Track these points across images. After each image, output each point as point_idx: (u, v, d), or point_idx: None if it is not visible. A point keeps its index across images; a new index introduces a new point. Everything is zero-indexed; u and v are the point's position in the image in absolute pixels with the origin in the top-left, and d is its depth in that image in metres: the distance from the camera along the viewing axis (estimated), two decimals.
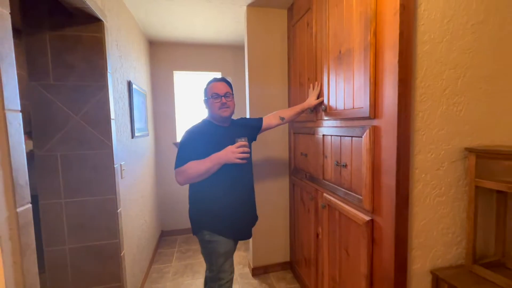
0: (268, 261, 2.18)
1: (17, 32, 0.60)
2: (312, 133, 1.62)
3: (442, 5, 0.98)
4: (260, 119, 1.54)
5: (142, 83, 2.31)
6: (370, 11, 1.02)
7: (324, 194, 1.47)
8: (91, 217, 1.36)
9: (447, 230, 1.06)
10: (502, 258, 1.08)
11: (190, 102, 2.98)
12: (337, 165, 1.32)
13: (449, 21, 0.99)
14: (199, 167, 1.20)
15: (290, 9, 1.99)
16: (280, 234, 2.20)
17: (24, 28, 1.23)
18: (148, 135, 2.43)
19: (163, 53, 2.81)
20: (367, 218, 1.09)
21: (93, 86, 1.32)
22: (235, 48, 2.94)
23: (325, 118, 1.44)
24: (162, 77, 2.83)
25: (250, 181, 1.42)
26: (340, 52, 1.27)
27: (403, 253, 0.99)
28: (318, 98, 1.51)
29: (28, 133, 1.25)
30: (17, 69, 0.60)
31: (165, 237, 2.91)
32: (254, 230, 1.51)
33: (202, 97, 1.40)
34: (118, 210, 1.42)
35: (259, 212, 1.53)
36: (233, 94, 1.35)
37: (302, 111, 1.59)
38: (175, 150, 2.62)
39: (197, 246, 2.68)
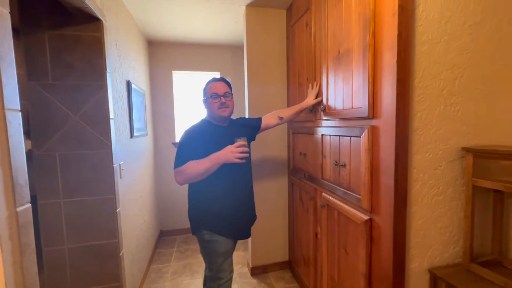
0: (267, 260, 2.19)
1: (15, 31, 0.59)
2: (311, 133, 1.63)
3: (440, 6, 0.99)
4: (259, 119, 1.54)
5: (141, 82, 2.31)
6: (368, 11, 1.03)
7: (323, 194, 1.47)
8: (90, 217, 1.36)
9: (445, 229, 1.07)
10: (499, 256, 1.09)
11: (189, 102, 2.98)
12: (336, 165, 1.33)
13: (447, 22, 1.00)
14: (198, 167, 1.21)
15: (289, 9, 1.99)
16: (279, 233, 2.20)
17: (22, 27, 1.22)
18: (147, 135, 2.42)
19: (162, 53, 2.80)
20: (365, 217, 1.10)
21: (92, 86, 1.32)
22: (234, 48, 2.94)
23: (324, 118, 1.45)
24: (161, 77, 2.83)
25: (249, 180, 1.42)
26: (339, 52, 1.28)
27: (401, 252, 0.99)
28: (316, 98, 1.52)
29: (26, 133, 1.24)
30: (16, 69, 0.60)
31: (164, 237, 2.91)
32: (253, 230, 1.51)
33: (201, 97, 1.40)
34: (117, 210, 1.42)
35: (258, 211, 1.54)
36: (232, 94, 1.35)
37: (301, 111, 1.60)
38: (174, 150, 2.61)
39: (196, 246, 2.68)
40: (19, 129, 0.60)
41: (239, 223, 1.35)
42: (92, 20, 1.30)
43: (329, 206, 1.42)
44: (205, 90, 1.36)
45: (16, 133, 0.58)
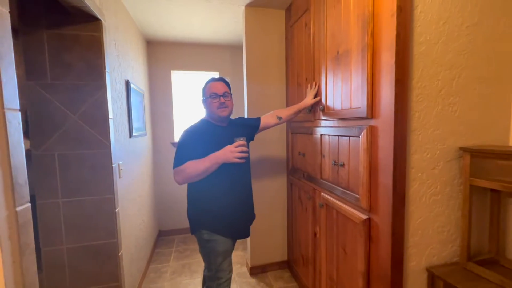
0: (266, 260, 2.19)
1: (13, 31, 0.59)
2: (310, 132, 1.63)
3: (438, 7, 1.00)
4: (258, 119, 1.55)
5: (140, 82, 2.30)
6: (367, 12, 1.03)
7: (322, 193, 1.48)
8: (89, 217, 1.35)
9: (443, 228, 1.08)
10: (496, 255, 1.10)
11: (188, 101, 2.98)
12: (334, 164, 1.34)
13: (445, 22, 1.01)
14: (197, 166, 1.21)
15: (288, 10, 1.99)
16: (278, 233, 2.21)
17: (21, 27, 1.22)
18: (146, 134, 2.42)
19: (161, 53, 2.80)
20: (364, 216, 1.11)
21: (91, 86, 1.32)
22: (233, 48, 2.94)
23: (323, 118, 1.45)
24: (160, 77, 2.82)
25: (248, 180, 1.42)
26: (338, 52, 1.28)
27: (400, 251, 1.00)
28: (315, 97, 1.52)
29: (24, 133, 1.23)
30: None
31: (162, 237, 2.91)
32: (252, 229, 1.51)
33: (200, 96, 1.40)
34: (116, 210, 1.42)
35: (257, 211, 1.54)
36: (231, 93, 1.35)
37: (300, 111, 1.60)
38: (172, 150, 2.61)
39: (195, 246, 2.68)
40: (18, 129, 0.60)
41: (238, 222, 1.35)
42: (91, 20, 1.29)
43: (328, 205, 1.42)
44: (204, 90, 1.36)
45: (15, 133, 0.58)
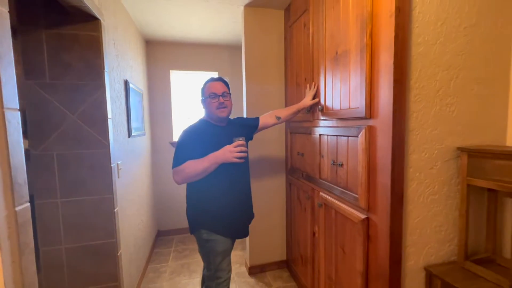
0: (265, 260, 2.20)
1: (12, 30, 0.59)
2: (309, 132, 1.64)
3: (436, 8, 1.00)
4: (257, 119, 1.55)
5: (138, 82, 2.30)
6: (366, 13, 1.04)
7: (321, 193, 1.49)
8: (88, 217, 1.35)
9: (440, 228, 1.09)
10: (492, 254, 1.11)
11: (186, 101, 2.98)
12: (333, 164, 1.34)
13: (443, 23, 1.02)
14: (196, 166, 1.21)
15: (287, 10, 2.00)
16: (277, 233, 2.21)
17: (19, 26, 1.21)
18: (144, 134, 2.41)
19: (160, 52, 2.80)
20: (362, 216, 1.11)
21: (90, 85, 1.32)
22: (232, 48, 2.94)
23: (322, 118, 1.46)
24: (158, 77, 2.82)
25: (247, 180, 1.43)
26: (336, 53, 1.29)
27: (398, 250, 1.01)
28: (314, 98, 1.53)
29: (23, 132, 1.23)
30: None
31: (161, 237, 2.90)
32: (251, 229, 1.52)
33: (199, 96, 1.40)
34: (115, 210, 1.42)
35: (256, 211, 1.55)
36: (230, 93, 1.35)
37: (298, 111, 1.60)
38: (171, 150, 2.61)
39: (193, 246, 2.68)
40: (18, 128, 0.60)
41: (237, 222, 1.36)
42: (90, 19, 1.29)
43: (326, 205, 1.43)
44: (203, 90, 1.36)
45: (15, 132, 0.59)
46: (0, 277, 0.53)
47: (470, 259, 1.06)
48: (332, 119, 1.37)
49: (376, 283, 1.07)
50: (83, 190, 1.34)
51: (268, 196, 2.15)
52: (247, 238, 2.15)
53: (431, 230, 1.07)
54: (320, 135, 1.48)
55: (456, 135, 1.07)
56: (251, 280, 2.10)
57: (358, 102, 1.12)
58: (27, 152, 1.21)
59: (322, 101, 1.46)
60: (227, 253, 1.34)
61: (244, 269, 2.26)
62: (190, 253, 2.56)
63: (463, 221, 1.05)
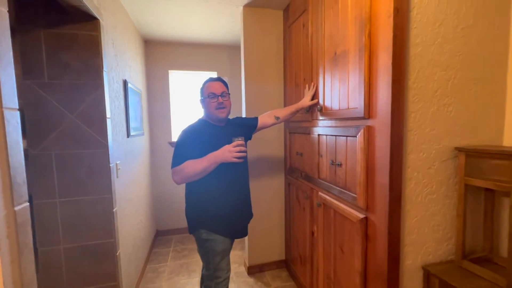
0: (264, 259, 2.20)
1: (11, 30, 0.59)
2: (308, 132, 1.64)
3: (434, 9, 1.01)
4: (256, 118, 1.55)
5: (137, 82, 2.30)
6: (365, 14, 1.04)
7: (319, 193, 1.49)
8: (86, 217, 1.35)
9: (438, 227, 1.10)
10: (489, 253, 1.12)
11: (185, 101, 2.97)
12: (332, 164, 1.35)
13: (441, 24, 1.02)
14: (195, 166, 1.21)
15: (286, 10, 2.00)
16: (276, 232, 2.22)
17: (18, 26, 1.21)
18: (143, 134, 2.41)
19: (159, 52, 2.79)
20: (361, 215, 1.12)
21: (89, 85, 1.31)
22: (231, 48, 2.94)
23: (321, 118, 1.47)
24: (157, 76, 2.81)
25: (246, 180, 1.43)
26: (335, 53, 1.29)
27: (396, 250, 1.01)
28: (313, 99, 1.53)
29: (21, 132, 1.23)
30: None
31: (160, 237, 2.90)
32: (250, 229, 1.52)
33: (198, 96, 1.40)
34: (114, 210, 1.42)
35: (254, 211, 1.55)
36: (229, 93, 1.35)
37: (297, 111, 1.61)
38: (170, 150, 2.61)
39: (192, 246, 2.68)
40: (17, 128, 0.60)
41: (236, 222, 1.36)
42: (89, 19, 1.29)
43: (325, 205, 1.43)
44: (202, 90, 1.36)
45: (14, 132, 0.58)
46: (0, 276, 0.53)
47: (467, 258, 1.07)
48: (331, 119, 1.37)
49: (375, 282, 1.08)
50: (81, 190, 1.33)
51: (267, 196, 2.16)
52: (246, 238, 2.16)
53: (429, 230, 1.08)
54: (319, 135, 1.49)
55: (454, 135, 1.08)
56: (250, 280, 2.10)
57: (356, 102, 1.12)
58: (25, 152, 1.20)
59: (321, 101, 1.46)
60: (226, 253, 1.34)
61: (243, 269, 2.26)
62: (189, 253, 2.55)
63: (461, 220, 1.06)
